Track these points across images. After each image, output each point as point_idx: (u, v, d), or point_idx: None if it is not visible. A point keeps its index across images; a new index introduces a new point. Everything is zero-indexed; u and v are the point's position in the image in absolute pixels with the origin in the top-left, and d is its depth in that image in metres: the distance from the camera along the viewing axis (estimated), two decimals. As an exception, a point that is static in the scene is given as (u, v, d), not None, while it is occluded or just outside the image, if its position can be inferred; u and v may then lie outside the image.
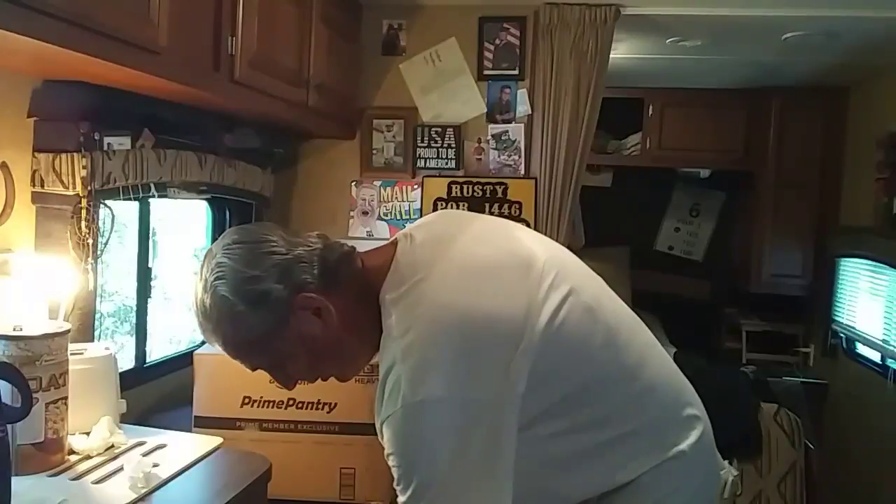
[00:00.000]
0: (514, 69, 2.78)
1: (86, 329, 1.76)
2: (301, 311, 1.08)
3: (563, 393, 1.11)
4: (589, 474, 1.14)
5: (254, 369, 1.16)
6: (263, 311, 1.06)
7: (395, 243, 1.18)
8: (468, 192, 2.80)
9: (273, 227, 1.14)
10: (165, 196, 2.05)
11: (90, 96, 1.66)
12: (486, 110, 2.79)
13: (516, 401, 1.05)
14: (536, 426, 1.09)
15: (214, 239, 2.57)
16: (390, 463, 1.06)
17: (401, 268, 1.12)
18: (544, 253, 1.19)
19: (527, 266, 1.14)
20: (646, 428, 1.15)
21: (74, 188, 1.66)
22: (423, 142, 2.82)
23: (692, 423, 1.20)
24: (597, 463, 1.13)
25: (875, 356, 3.26)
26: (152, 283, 2.22)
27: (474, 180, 2.80)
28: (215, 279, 1.07)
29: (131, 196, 1.86)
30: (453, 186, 2.81)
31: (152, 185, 1.92)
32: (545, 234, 2.69)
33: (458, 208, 2.81)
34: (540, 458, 1.11)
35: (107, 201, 1.80)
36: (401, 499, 1.06)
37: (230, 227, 2.62)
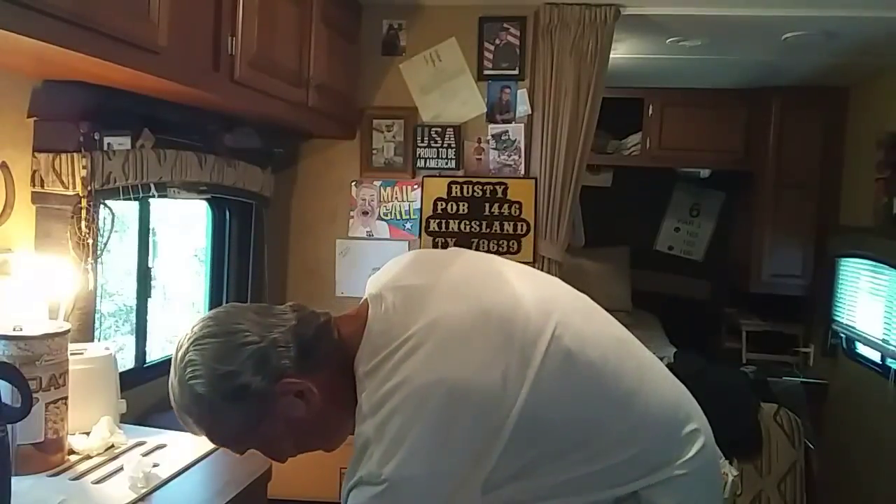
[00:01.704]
0: (514, 69, 2.78)
1: (86, 329, 1.76)
2: (283, 397, 1.04)
3: (550, 448, 1.08)
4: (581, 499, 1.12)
5: (242, 453, 1.14)
6: (244, 405, 1.03)
7: (366, 305, 1.12)
8: (468, 192, 2.80)
9: (243, 310, 1.08)
10: (165, 196, 2.05)
11: (90, 96, 1.66)
12: (486, 110, 2.79)
13: (484, 474, 1.02)
14: (527, 476, 1.07)
15: (214, 239, 2.61)
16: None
17: (372, 337, 1.08)
18: (527, 293, 1.14)
19: (507, 321, 1.08)
20: (642, 454, 1.12)
21: (74, 188, 1.66)
22: (423, 142, 2.82)
23: (691, 438, 1.17)
24: (588, 490, 1.11)
25: (875, 356, 3.26)
26: (152, 283, 2.22)
27: (474, 180, 2.80)
28: (189, 378, 1.02)
29: (131, 196, 1.86)
30: (453, 186, 2.81)
31: (152, 185, 1.92)
32: (545, 235, 2.72)
33: (458, 208, 2.81)
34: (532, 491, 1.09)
35: (107, 201, 1.80)
36: None
37: (230, 227, 2.62)
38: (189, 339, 1.05)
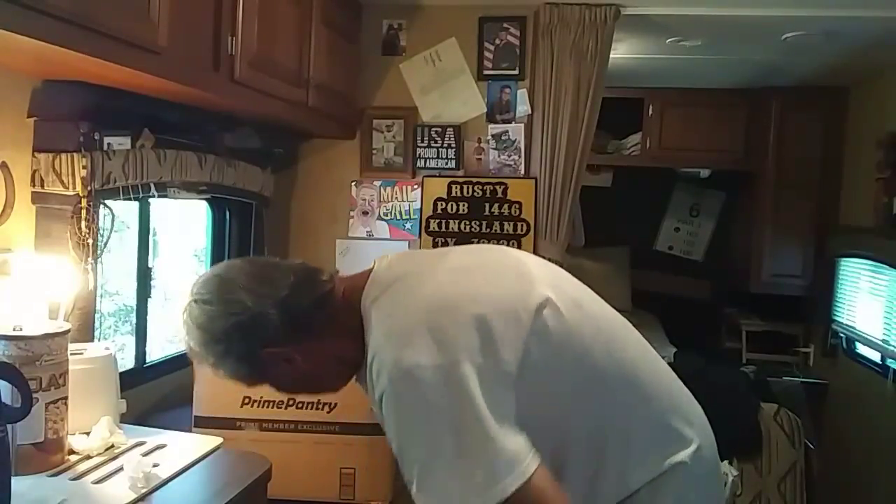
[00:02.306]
0: (514, 69, 2.78)
1: (86, 329, 1.76)
2: (269, 362, 1.12)
3: (560, 389, 1.10)
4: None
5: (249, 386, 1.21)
6: (233, 362, 1.12)
7: (373, 266, 1.18)
8: (468, 192, 2.81)
9: (240, 274, 1.13)
10: (165, 196, 2.05)
11: (90, 96, 1.66)
12: (486, 110, 2.79)
13: (507, 375, 1.04)
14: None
15: (214, 239, 2.61)
16: (395, 450, 1.05)
17: (378, 277, 1.14)
18: (531, 261, 1.21)
19: (515, 268, 1.17)
20: (641, 436, 1.13)
21: (74, 188, 1.66)
22: (423, 142, 2.82)
23: (689, 435, 1.17)
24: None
25: (875, 356, 3.26)
26: (152, 283, 2.22)
27: (474, 180, 2.80)
28: (186, 334, 1.13)
29: (131, 196, 1.86)
30: (453, 186, 2.81)
31: (152, 185, 1.92)
32: (545, 235, 2.73)
33: (458, 208, 2.81)
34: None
35: (107, 201, 1.80)
36: (413, 489, 1.03)
37: (230, 227, 2.62)
38: (187, 300, 1.13)
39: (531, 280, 1.14)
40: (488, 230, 2.80)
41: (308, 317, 1.11)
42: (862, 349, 3.41)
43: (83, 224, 1.68)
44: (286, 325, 1.09)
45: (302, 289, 1.12)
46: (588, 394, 1.11)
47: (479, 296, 1.07)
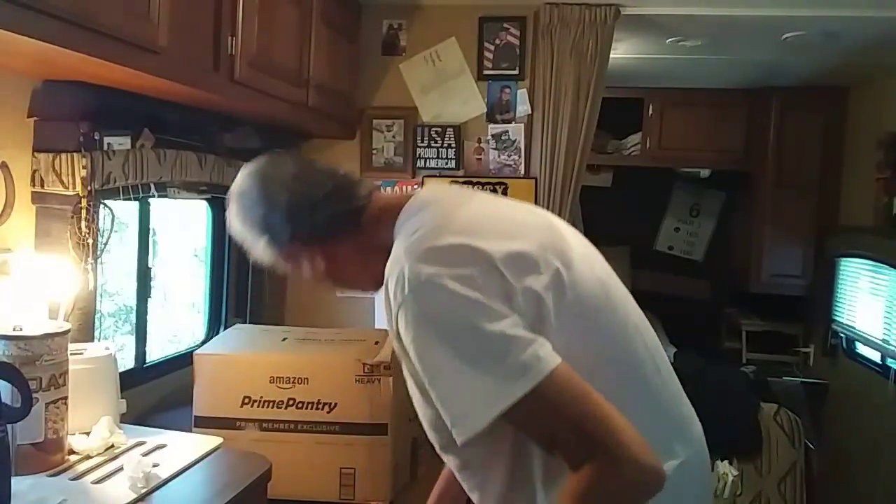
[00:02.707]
0: (514, 69, 2.78)
1: (86, 329, 1.76)
2: (291, 257, 1.20)
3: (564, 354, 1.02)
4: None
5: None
6: (262, 249, 1.20)
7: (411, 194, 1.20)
8: (468, 192, 2.80)
9: (284, 169, 1.20)
10: (165, 196, 2.05)
11: (90, 96, 1.66)
12: (486, 110, 2.79)
13: (521, 310, 1.00)
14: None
15: (214, 239, 2.61)
16: (413, 361, 1.02)
17: (415, 200, 1.14)
18: (567, 230, 1.20)
19: (547, 224, 1.16)
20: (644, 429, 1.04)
21: (74, 188, 1.66)
22: (423, 142, 2.82)
23: (677, 449, 1.12)
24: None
25: (875, 356, 3.26)
26: (152, 283, 2.22)
27: (474, 180, 2.80)
28: (231, 210, 1.22)
29: (131, 196, 1.87)
30: (453, 186, 2.81)
31: (152, 185, 1.93)
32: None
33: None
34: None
35: (107, 201, 1.80)
36: (434, 397, 1.01)
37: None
38: (240, 176, 1.23)
39: (564, 238, 1.13)
40: (488, 230, 2.80)
41: (336, 225, 1.16)
42: (862, 349, 3.42)
43: (83, 224, 1.68)
44: (314, 228, 1.15)
45: (336, 197, 1.16)
46: (593, 371, 1.03)
47: (509, 232, 1.06)
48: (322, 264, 1.19)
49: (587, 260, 1.14)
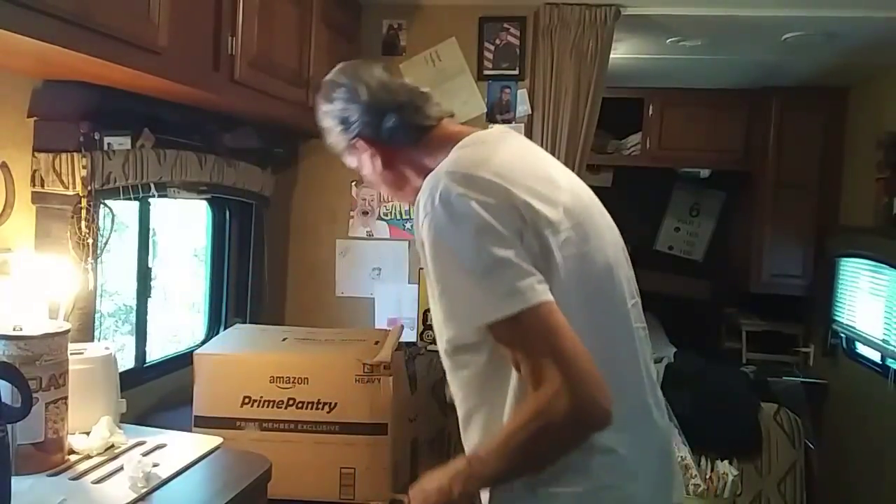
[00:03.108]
0: (514, 69, 2.78)
1: (86, 329, 1.76)
2: (355, 150, 1.33)
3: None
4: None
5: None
6: (337, 135, 1.34)
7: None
8: (468, 192, 2.80)
9: (374, 74, 1.36)
10: (165, 196, 2.05)
11: (90, 96, 1.66)
12: (486, 110, 2.79)
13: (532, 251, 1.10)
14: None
15: (214, 239, 2.61)
16: (431, 272, 1.12)
17: (476, 135, 1.26)
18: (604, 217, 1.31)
19: (578, 195, 1.25)
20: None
21: (74, 188, 1.66)
22: (423, 142, 2.82)
23: (612, 441, 1.12)
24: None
25: (875, 356, 3.26)
26: (152, 283, 2.22)
27: (474, 180, 2.80)
28: (320, 94, 1.38)
29: (131, 196, 1.86)
30: (453, 186, 2.81)
31: (152, 185, 1.93)
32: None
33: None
34: None
35: (107, 201, 1.80)
36: (435, 299, 1.12)
37: (230, 227, 2.62)
38: (327, 76, 1.39)
39: (591, 214, 1.23)
40: (488, 230, 2.79)
41: (400, 135, 1.29)
42: (862, 349, 3.41)
43: (83, 224, 1.68)
44: (381, 131, 1.29)
45: (408, 111, 1.30)
46: (583, 327, 1.09)
47: (540, 191, 1.14)
48: (379, 165, 1.32)
49: (604, 240, 1.22)
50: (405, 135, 1.29)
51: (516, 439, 1.07)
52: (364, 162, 1.34)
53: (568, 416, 1.03)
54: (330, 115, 1.35)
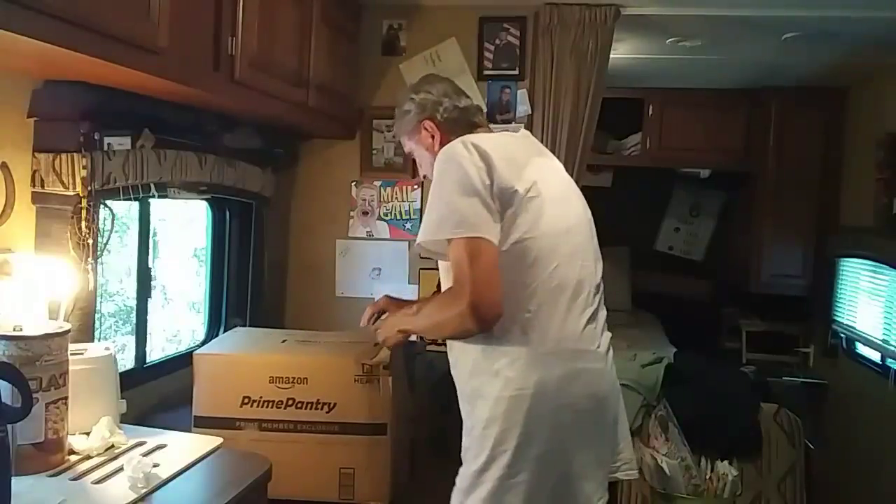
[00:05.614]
0: (514, 69, 2.78)
1: (86, 329, 1.77)
2: (422, 131, 1.75)
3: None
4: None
5: (408, 152, 1.86)
6: (409, 117, 1.76)
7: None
8: (468, 192, 2.81)
9: (444, 84, 1.78)
10: (165, 196, 2.05)
11: (90, 96, 1.66)
12: (485, 110, 2.78)
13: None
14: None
15: (214, 239, 2.61)
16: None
17: (491, 131, 1.78)
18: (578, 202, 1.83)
19: (544, 177, 1.65)
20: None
21: (74, 188, 1.66)
22: (423, 142, 2.82)
23: (525, 380, 1.51)
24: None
25: (875, 356, 3.26)
26: (152, 283, 2.22)
27: (474, 180, 2.80)
28: (408, 84, 2.04)
29: (131, 196, 1.87)
30: (453, 186, 2.82)
31: (152, 185, 1.93)
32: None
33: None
34: None
35: (107, 201, 1.81)
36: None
37: (230, 227, 2.63)
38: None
39: (549, 188, 1.61)
40: (488, 230, 2.80)
41: (453, 125, 1.73)
42: (862, 349, 3.41)
43: (83, 224, 1.69)
44: (441, 117, 1.73)
45: (462, 110, 1.75)
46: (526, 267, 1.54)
47: (515, 173, 1.55)
48: (433, 141, 1.73)
49: (566, 209, 1.68)
50: (456, 126, 1.73)
51: (431, 316, 1.60)
52: (424, 135, 1.75)
53: (463, 314, 1.45)
54: (411, 99, 1.76)
